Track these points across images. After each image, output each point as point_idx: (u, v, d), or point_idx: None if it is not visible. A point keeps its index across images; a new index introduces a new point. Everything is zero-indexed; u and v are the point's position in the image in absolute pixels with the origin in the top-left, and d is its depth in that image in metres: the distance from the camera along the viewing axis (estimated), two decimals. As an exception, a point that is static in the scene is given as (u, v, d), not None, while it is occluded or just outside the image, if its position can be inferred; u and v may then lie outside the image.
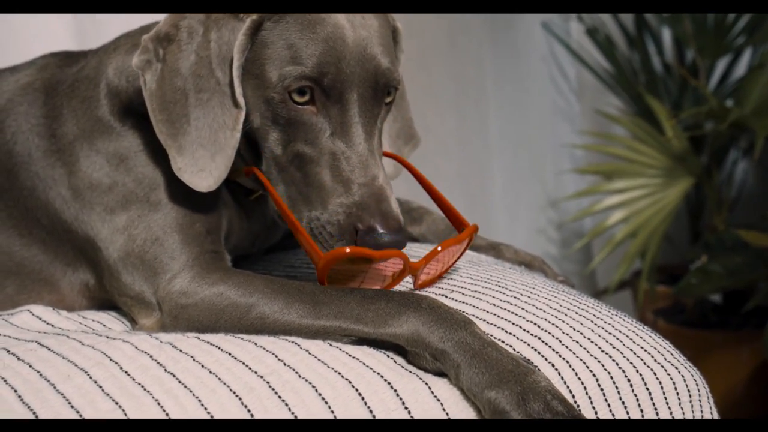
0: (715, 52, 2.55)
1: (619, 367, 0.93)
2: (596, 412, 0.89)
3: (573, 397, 0.88)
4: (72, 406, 0.76)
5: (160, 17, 1.05)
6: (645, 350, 0.97)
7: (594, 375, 0.91)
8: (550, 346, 0.92)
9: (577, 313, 1.00)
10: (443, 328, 0.85)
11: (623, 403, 0.91)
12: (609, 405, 0.90)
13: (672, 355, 1.00)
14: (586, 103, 3.03)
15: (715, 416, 1.01)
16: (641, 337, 1.00)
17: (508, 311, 0.97)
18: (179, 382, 0.80)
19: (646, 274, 2.40)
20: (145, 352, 0.85)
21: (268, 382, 0.81)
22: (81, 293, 1.11)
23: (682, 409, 0.96)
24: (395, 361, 0.87)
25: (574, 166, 2.96)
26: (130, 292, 1.02)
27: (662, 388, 0.95)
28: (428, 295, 0.92)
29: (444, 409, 0.83)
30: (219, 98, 0.98)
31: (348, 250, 0.91)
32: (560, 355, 0.91)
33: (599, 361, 0.93)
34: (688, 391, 0.97)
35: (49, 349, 0.87)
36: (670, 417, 0.95)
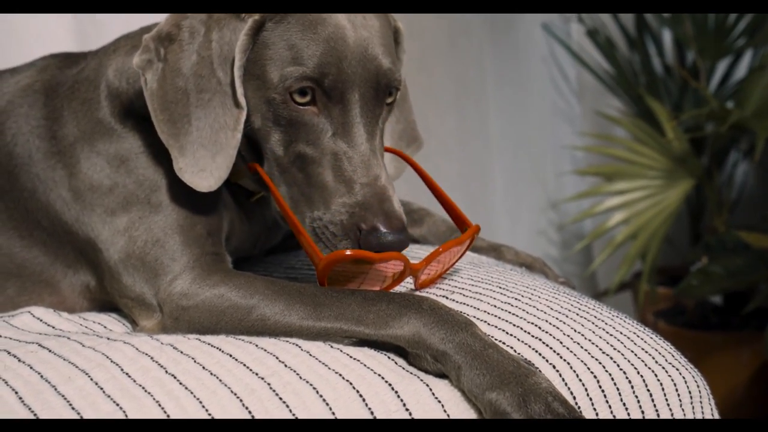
0: (716, 53, 2.55)
1: (620, 369, 0.93)
2: (597, 414, 0.89)
3: (574, 398, 0.88)
4: (73, 408, 0.76)
5: (160, 18, 1.05)
6: (646, 352, 0.97)
7: (595, 376, 0.91)
8: (551, 348, 0.92)
9: (578, 314, 1.00)
10: (444, 329, 0.85)
11: (624, 404, 0.91)
12: (610, 406, 0.90)
13: (673, 356, 1.00)
14: (587, 105, 3.03)
15: (717, 418, 1.01)
16: (642, 339, 1.00)
17: (509, 313, 0.97)
18: (180, 383, 0.80)
19: (646, 275, 2.40)
20: (146, 354, 0.85)
21: (269, 384, 0.81)
22: (82, 295, 1.11)
23: (683, 410, 0.96)
24: (396, 363, 0.87)
25: (575, 167, 2.96)
26: (130, 294, 1.02)
27: (663, 389, 0.95)
28: (429, 296, 0.92)
29: (445, 411, 0.83)
30: (220, 98, 0.98)
31: (348, 252, 0.91)
32: (561, 357, 0.91)
33: (600, 363, 0.92)
34: (689, 392, 0.97)
35: (50, 351, 0.87)
36: (671, 418, 0.94)
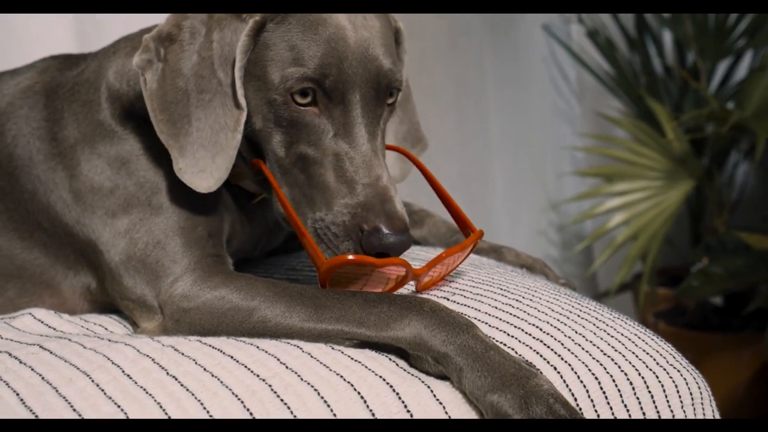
0: (716, 54, 2.55)
1: (622, 370, 0.93)
2: (598, 415, 0.89)
3: (575, 400, 0.88)
4: (74, 410, 0.76)
5: (161, 18, 1.05)
6: (647, 353, 0.97)
7: (596, 378, 0.91)
8: (552, 349, 0.92)
9: (579, 316, 1.00)
10: (445, 331, 0.85)
11: (625, 406, 0.91)
12: (611, 408, 0.90)
13: (674, 357, 1.00)
14: (587, 105, 3.03)
15: (718, 418, 1.01)
16: (643, 340, 1.00)
17: (510, 314, 0.97)
18: (181, 385, 0.80)
19: (647, 276, 2.40)
20: (147, 356, 0.85)
21: (270, 386, 0.81)
22: (82, 296, 1.11)
23: (684, 411, 0.96)
24: (397, 365, 0.86)
25: (575, 168, 2.96)
26: (131, 296, 1.01)
27: (664, 390, 0.95)
28: (430, 298, 0.92)
29: (446, 412, 0.83)
30: (220, 99, 0.98)
31: (351, 257, 0.91)
32: (562, 358, 0.91)
33: (601, 364, 0.92)
34: (690, 394, 0.97)
35: (51, 353, 0.87)
36: (672, 419, 0.94)
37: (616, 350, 0.95)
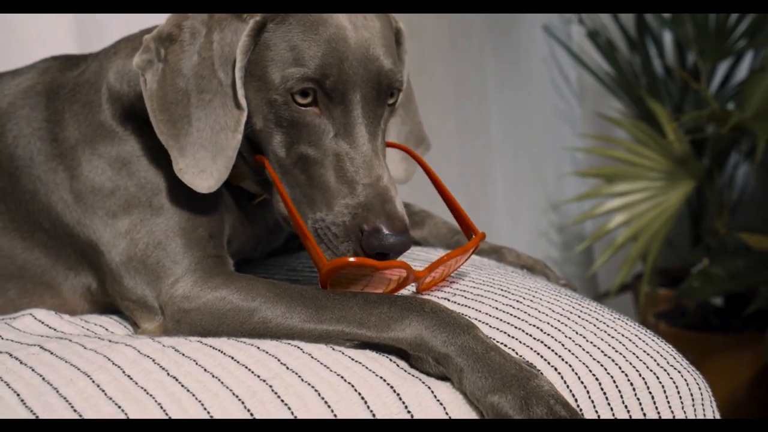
0: (717, 55, 2.55)
1: (622, 371, 0.93)
2: (599, 416, 0.89)
3: (576, 401, 0.88)
4: (75, 410, 0.76)
5: (161, 18, 1.04)
6: (648, 354, 0.97)
7: (597, 379, 0.91)
8: (552, 350, 0.92)
9: (579, 316, 1.00)
10: (446, 332, 0.85)
11: (626, 406, 0.91)
12: (612, 409, 0.90)
13: (675, 358, 1.00)
14: (587, 106, 3.03)
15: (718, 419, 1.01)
16: (644, 341, 1.00)
17: (511, 315, 0.97)
18: (182, 385, 0.80)
19: (647, 277, 2.40)
20: (148, 356, 0.85)
21: (270, 386, 0.81)
22: (83, 297, 1.11)
23: (684, 412, 0.95)
24: (398, 365, 0.86)
25: (575, 169, 2.96)
26: (132, 296, 1.01)
27: (665, 391, 0.95)
28: (431, 299, 0.92)
29: (447, 413, 0.83)
30: (221, 99, 0.98)
31: (352, 259, 0.91)
32: (563, 359, 0.91)
33: (602, 365, 0.92)
34: (691, 394, 0.97)
35: (51, 353, 0.87)
36: (673, 419, 0.94)
37: (616, 351, 0.95)
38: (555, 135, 3.00)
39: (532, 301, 1.02)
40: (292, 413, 0.79)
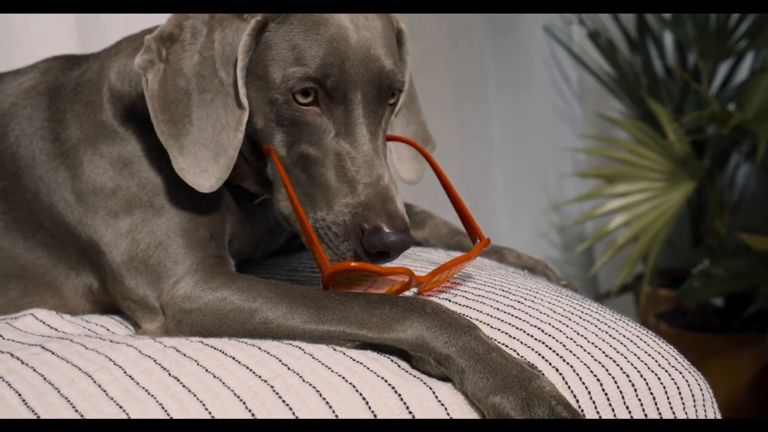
0: (717, 55, 2.55)
1: (624, 372, 0.93)
2: (600, 417, 0.89)
3: (577, 401, 0.88)
4: (76, 410, 0.76)
5: (162, 18, 1.04)
6: (649, 355, 0.97)
7: (598, 379, 0.91)
8: (554, 351, 0.92)
9: (580, 317, 1.00)
10: (447, 332, 0.85)
11: (627, 407, 0.91)
12: (613, 410, 0.90)
13: (676, 359, 0.99)
14: (588, 107, 3.03)
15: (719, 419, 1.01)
16: (645, 342, 1.00)
17: (512, 315, 0.97)
18: (183, 386, 0.80)
19: (648, 277, 2.40)
20: (149, 356, 0.85)
21: (272, 387, 0.81)
22: (84, 297, 1.11)
23: (686, 413, 0.95)
24: (399, 366, 0.86)
25: (576, 169, 2.96)
26: (133, 296, 1.01)
27: (666, 392, 0.95)
28: (432, 299, 0.92)
29: (448, 414, 0.83)
30: (222, 99, 0.98)
31: (354, 264, 0.91)
32: (564, 360, 0.91)
33: (603, 366, 0.92)
34: (692, 395, 0.97)
35: (52, 353, 0.87)
36: (674, 419, 0.94)
37: (618, 352, 0.95)
38: (555, 135, 3.00)
39: (533, 301, 1.02)
40: (294, 414, 0.79)
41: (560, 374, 0.89)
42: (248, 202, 1.13)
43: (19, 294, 1.11)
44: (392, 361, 0.87)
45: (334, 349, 0.88)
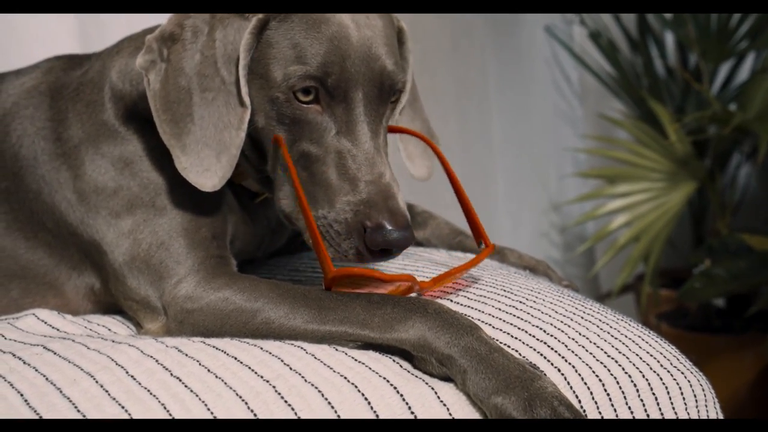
0: (719, 56, 2.55)
1: (625, 372, 0.93)
2: (602, 417, 0.89)
3: (579, 402, 0.88)
4: (78, 410, 0.76)
5: (163, 18, 1.04)
6: (651, 355, 0.97)
7: (600, 380, 0.91)
8: (556, 351, 0.92)
9: (582, 317, 1.00)
10: (449, 333, 0.85)
11: (629, 408, 0.91)
12: (615, 410, 0.90)
13: (678, 360, 0.99)
14: (589, 107, 3.03)
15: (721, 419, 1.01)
16: (647, 342, 1.00)
17: (514, 316, 0.97)
18: (185, 386, 0.80)
19: (649, 278, 2.40)
20: (151, 356, 0.85)
21: (274, 387, 0.81)
22: (86, 297, 1.11)
23: (688, 413, 0.95)
24: (401, 366, 0.86)
25: (577, 169, 2.96)
26: (135, 296, 1.01)
27: (668, 392, 0.95)
28: (434, 299, 0.92)
29: (450, 414, 0.83)
30: (224, 97, 0.98)
31: (357, 270, 0.91)
32: (566, 360, 0.91)
33: (605, 366, 0.92)
34: (695, 395, 0.97)
35: (54, 353, 0.87)
36: (676, 419, 0.94)
37: (620, 352, 0.95)
38: (556, 136, 3.00)
39: (535, 302, 1.02)
40: (296, 414, 0.79)
41: (562, 374, 0.89)
42: (249, 201, 1.12)
43: (21, 294, 1.11)
44: (394, 361, 0.87)
45: (336, 350, 0.88)
